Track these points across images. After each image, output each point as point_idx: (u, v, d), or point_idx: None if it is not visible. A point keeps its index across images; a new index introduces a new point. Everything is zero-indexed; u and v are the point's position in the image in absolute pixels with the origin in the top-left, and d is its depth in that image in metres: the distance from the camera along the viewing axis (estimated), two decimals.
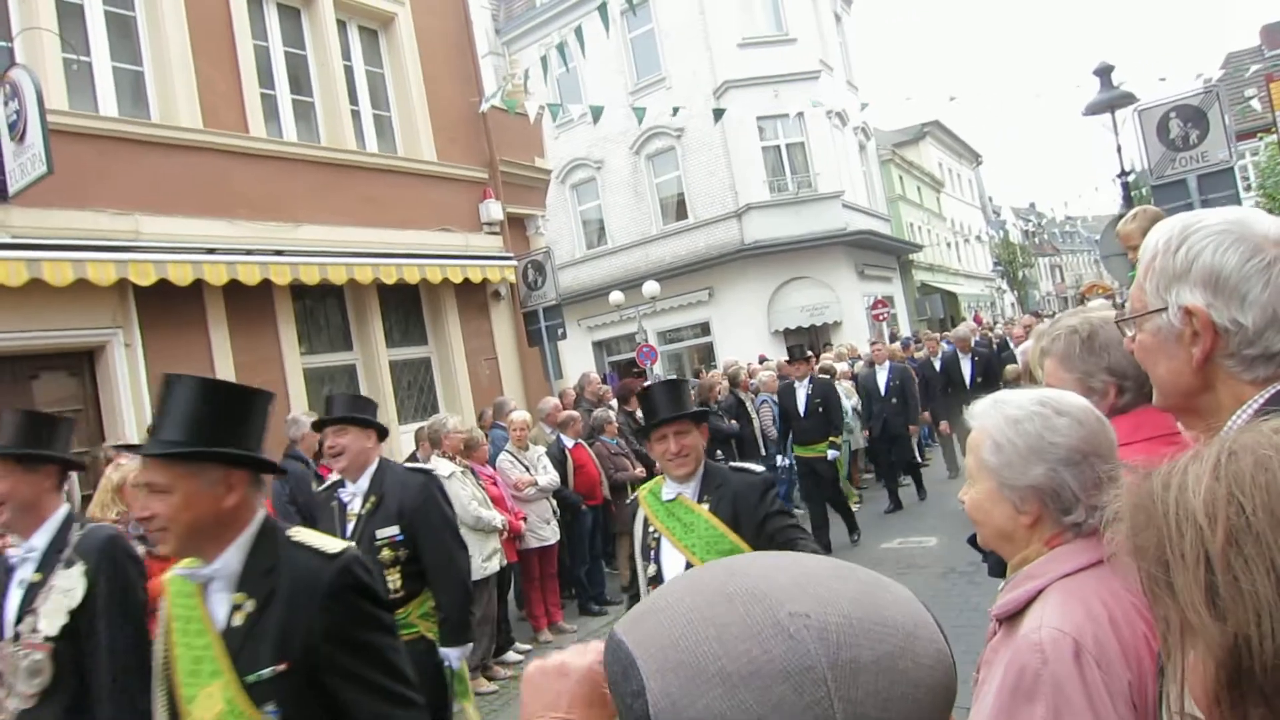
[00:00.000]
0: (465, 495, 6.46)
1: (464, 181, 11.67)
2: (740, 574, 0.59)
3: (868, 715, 0.52)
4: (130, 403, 7.95)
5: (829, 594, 0.57)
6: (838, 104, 22.86)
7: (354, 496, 3.88)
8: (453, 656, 3.86)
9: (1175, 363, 1.22)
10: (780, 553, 0.64)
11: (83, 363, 8.02)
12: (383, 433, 4.07)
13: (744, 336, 20.75)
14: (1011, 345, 12.01)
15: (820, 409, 9.41)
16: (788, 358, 10.42)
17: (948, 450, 11.77)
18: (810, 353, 10.81)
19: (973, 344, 11.45)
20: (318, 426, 4.11)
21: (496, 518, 6.60)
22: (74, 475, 6.83)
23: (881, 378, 11.19)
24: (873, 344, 12.24)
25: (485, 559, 6.48)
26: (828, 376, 10.61)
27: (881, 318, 22.10)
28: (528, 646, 7.29)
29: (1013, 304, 46.15)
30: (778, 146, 22.53)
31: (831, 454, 9.21)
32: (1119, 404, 1.93)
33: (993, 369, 10.20)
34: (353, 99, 10.78)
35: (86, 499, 5.90)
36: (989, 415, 1.57)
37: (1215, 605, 0.63)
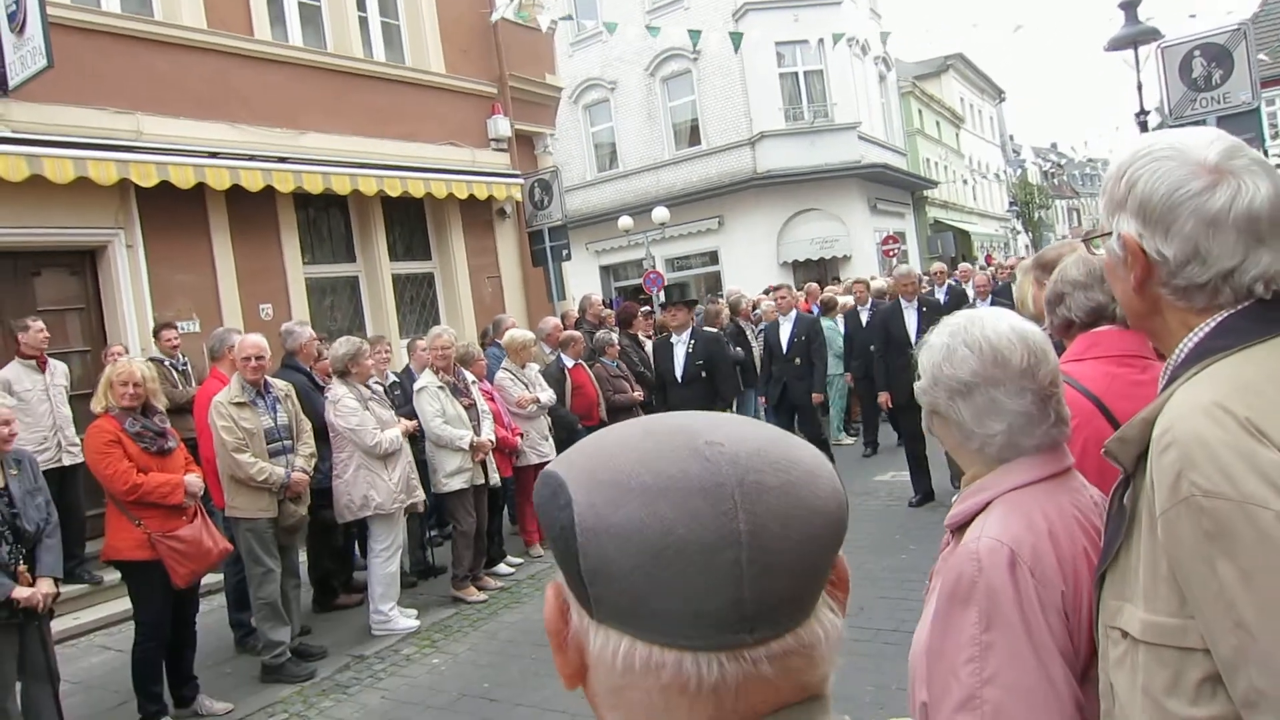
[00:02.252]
0: (430, 410, 6.49)
1: (473, 96, 11.48)
2: (664, 419, 0.66)
3: (768, 529, 0.58)
4: (131, 303, 7.98)
5: (743, 432, 0.63)
6: (860, 33, 22.33)
7: None
8: None
9: (1123, 285, 1.24)
10: (711, 412, 0.71)
11: (84, 262, 8.02)
12: None
13: (752, 267, 20.60)
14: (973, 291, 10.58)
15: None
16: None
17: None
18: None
19: (919, 290, 8.71)
20: None
21: (463, 437, 6.54)
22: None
23: (785, 331, 9.12)
24: (774, 290, 9.63)
25: (447, 475, 6.50)
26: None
27: (892, 254, 21.91)
28: (519, 560, 7.41)
29: (1027, 246, 45.66)
30: (795, 74, 22.07)
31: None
32: (1075, 322, 2.01)
33: (943, 315, 8.81)
34: (360, 5, 10.55)
35: (87, 396, 5.95)
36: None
37: None
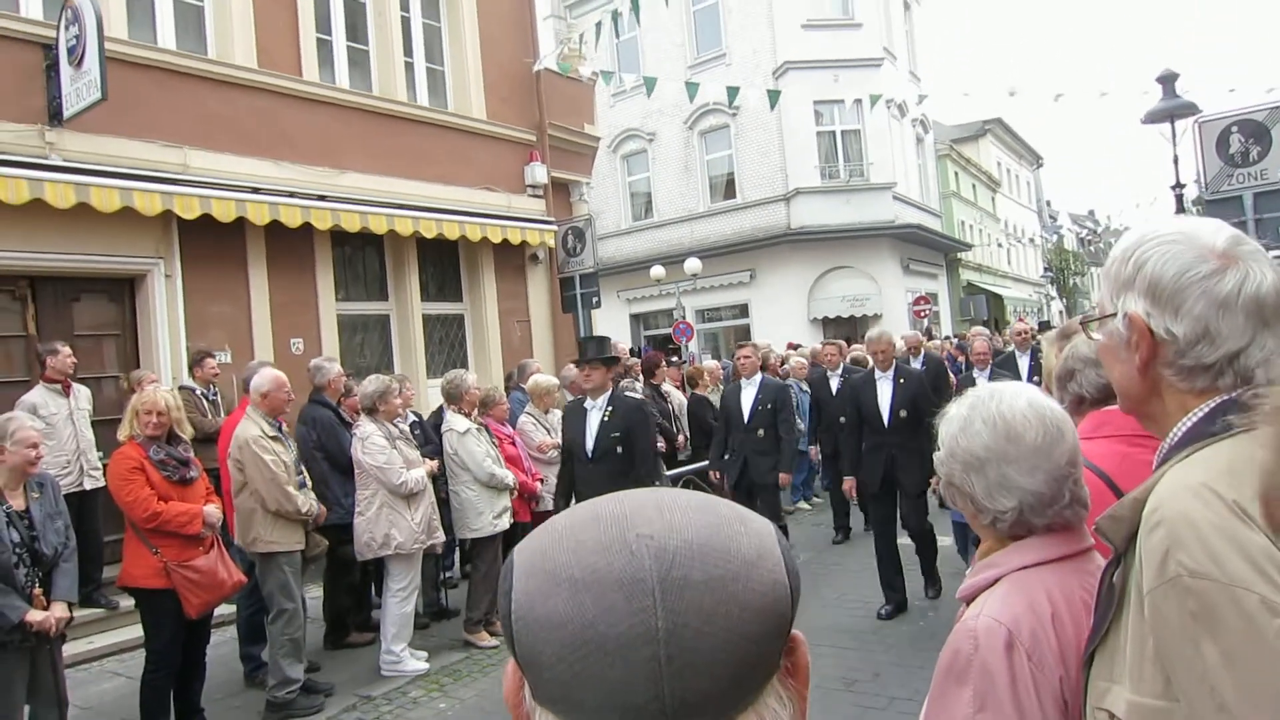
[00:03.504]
0: (479, 452, 6.51)
1: (511, 142, 11.68)
2: (619, 501, 0.66)
3: (690, 625, 0.58)
4: (166, 332, 8.11)
5: (683, 522, 0.63)
6: (898, 94, 22.50)
7: None
8: None
9: (1125, 367, 1.25)
10: (669, 490, 0.71)
11: (123, 290, 8.18)
12: None
13: (783, 321, 20.60)
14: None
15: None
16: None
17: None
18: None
19: (895, 359, 6.97)
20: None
21: (509, 476, 6.64)
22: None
23: (747, 397, 7.54)
24: (739, 350, 8.01)
25: (495, 516, 6.53)
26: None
27: (923, 314, 21.85)
28: None
29: (1060, 311, 45.32)
30: (833, 132, 22.24)
31: None
32: (1086, 398, 2.02)
33: (923, 400, 6.49)
34: (408, 51, 10.81)
35: (114, 422, 6.02)
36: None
37: None
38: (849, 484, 7.02)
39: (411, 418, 7.54)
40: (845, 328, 20.92)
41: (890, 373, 6.69)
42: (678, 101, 21.98)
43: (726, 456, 7.66)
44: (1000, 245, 37.17)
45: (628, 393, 6.70)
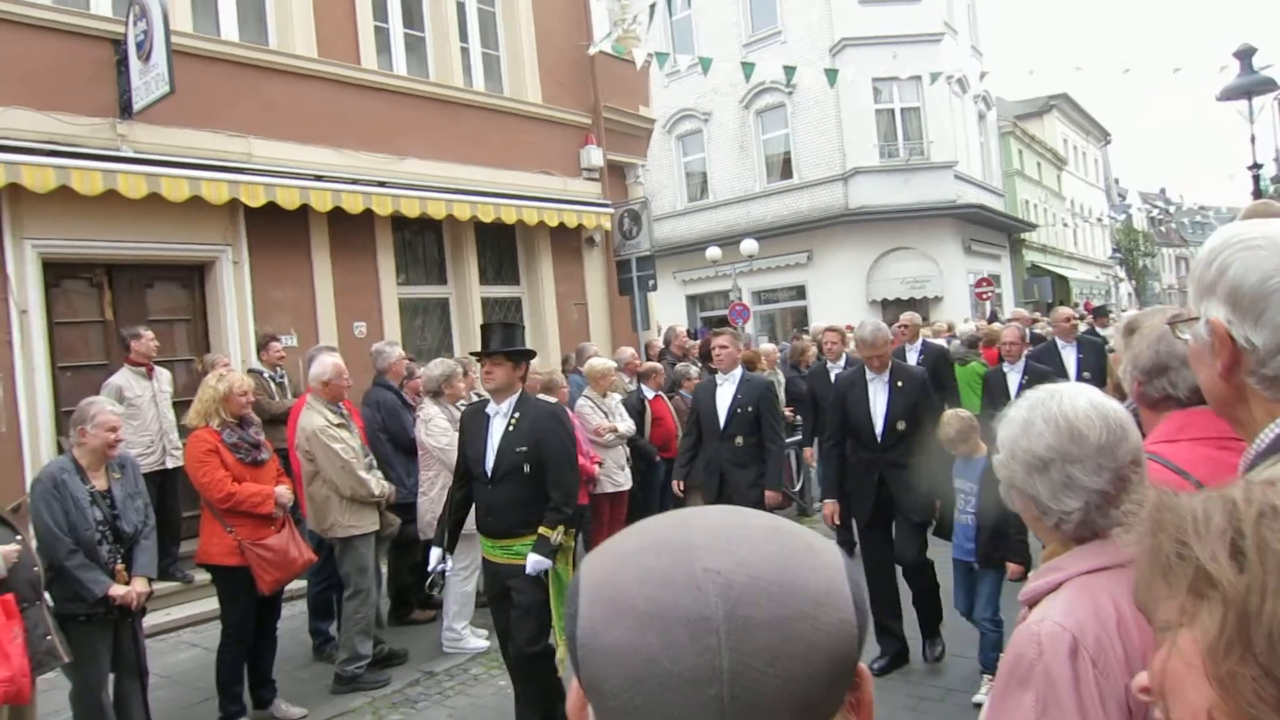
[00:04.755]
0: None
1: (567, 125, 11.72)
2: (687, 526, 0.66)
3: (753, 666, 0.58)
4: (235, 316, 8.35)
5: (750, 555, 0.62)
6: (959, 70, 22.04)
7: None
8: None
9: (1209, 372, 1.23)
10: (738, 510, 0.69)
11: (194, 276, 8.44)
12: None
13: (840, 303, 20.37)
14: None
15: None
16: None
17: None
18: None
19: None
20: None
21: None
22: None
23: (724, 396, 6.17)
24: (713, 335, 7.15)
25: None
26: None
27: (985, 296, 21.43)
28: None
29: (1129, 294, 44.09)
30: (892, 110, 21.89)
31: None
32: (1158, 399, 1.89)
33: (925, 407, 5.37)
34: (463, 36, 10.90)
35: (184, 404, 6.25)
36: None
37: (1237, 559, 0.65)
38: (829, 509, 5.59)
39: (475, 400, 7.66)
40: (904, 309, 20.64)
41: (885, 375, 5.32)
42: (733, 80, 21.81)
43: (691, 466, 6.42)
44: (1066, 225, 36.27)
45: (540, 396, 5.50)
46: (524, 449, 4.43)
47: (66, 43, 7.40)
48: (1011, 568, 4.48)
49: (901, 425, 5.23)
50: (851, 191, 21.63)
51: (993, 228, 25.17)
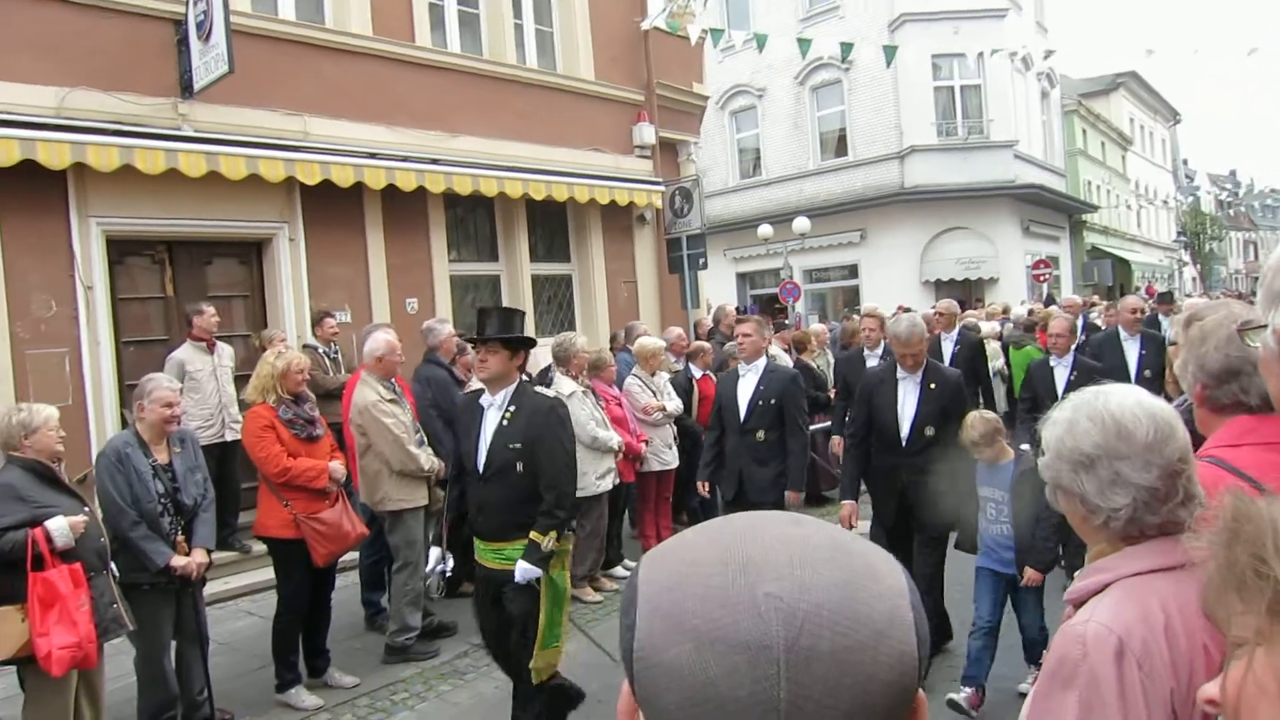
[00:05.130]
0: (583, 415, 6.62)
1: (619, 102, 11.68)
2: (750, 540, 0.64)
3: (812, 698, 0.57)
4: (291, 293, 8.50)
5: (813, 580, 0.60)
6: (1023, 46, 21.48)
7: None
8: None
9: (1276, 381, 1.19)
10: (800, 521, 0.68)
11: (251, 253, 8.60)
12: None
13: (893, 283, 20.12)
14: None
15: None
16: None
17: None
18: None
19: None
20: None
21: (613, 438, 6.75)
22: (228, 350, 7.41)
23: (746, 388, 5.78)
24: (737, 322, 7.11)
25: (599, 476, 6.66)
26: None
27: (1043, 279, 20.97)
28: (635, 564, 7.50)
29: (1194, 278, 42.79)
30: (951, 88, 21.45)
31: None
32: (1226, 404, 1.81)
33: (956, 413, 4.82)
34: (517, 13, 10.90)
35: (243, 378, 6.39)
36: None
37: None
38: (846, 511, 5.18)
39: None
40: (959, 291, 20.32)
41: (918, 375, 4.95)
42: (788, 56, 21.49)
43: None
44: (1130, 207, 35.29)
45: (538, 388, 4.76)
46: (517, 445, 4.12)
47: (130, 24, 7.55)
48: (1030, 574, 4.34)
49: (930, 430, 4.91)
50: (907, 170, 21.28)
51: (1052, 208, 24.60)
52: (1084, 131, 30.00)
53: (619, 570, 7.33)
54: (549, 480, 4.09)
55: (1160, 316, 11.04)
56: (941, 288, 20.56)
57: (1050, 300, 18.26)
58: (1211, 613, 0.88)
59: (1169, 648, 1.34)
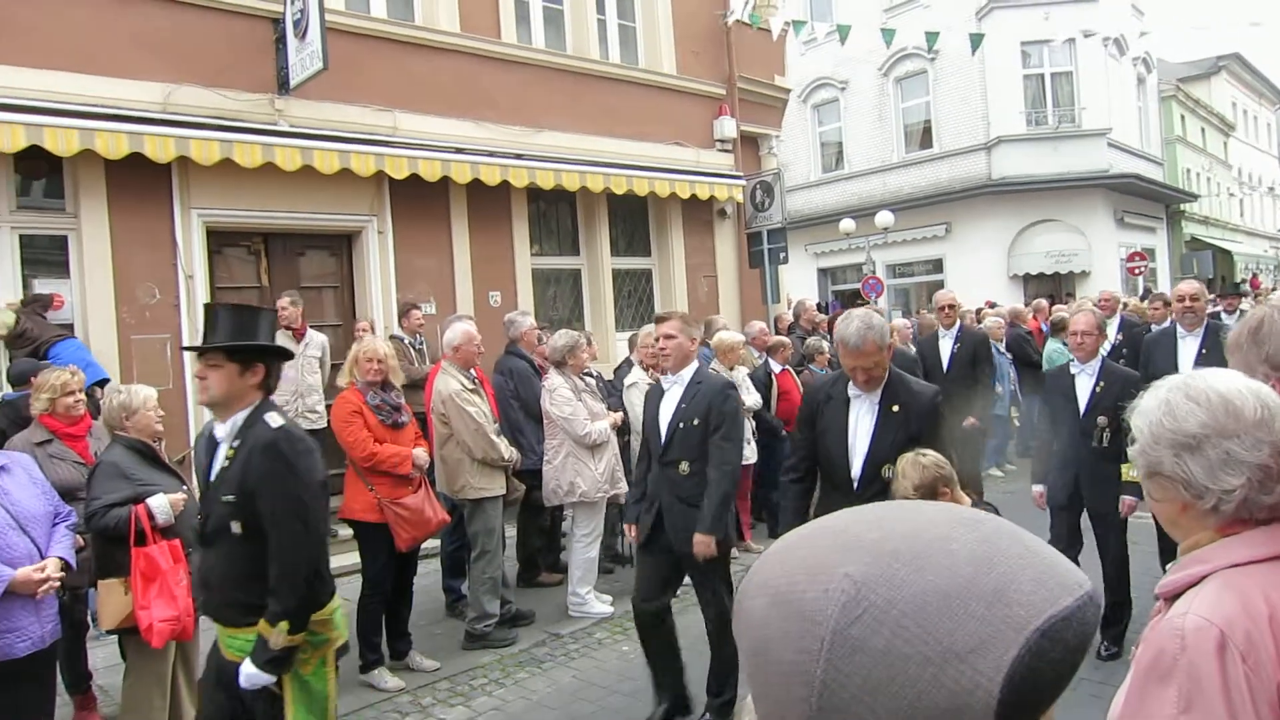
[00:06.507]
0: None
1: (701, 96, 11.65)
2: (876, 525, 0.62)
3: (849, 688, 0.56)
4: (379, 284, 8.73)
5: (910, 578, 0.57)
6: (1117, 30, 20.70)
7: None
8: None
9: None
10: (972, 523, 0.62)
11: (341, 245, 8.85)
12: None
13: (980, 278, 19.63)
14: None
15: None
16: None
17: None
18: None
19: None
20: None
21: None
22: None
23: (666, 408, 4.61)
24: (656, 321, 5.54)
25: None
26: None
27: (1138, 271, 20.21)
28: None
29: None
30: (1041, 75, 20.80)
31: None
32: None
33: (927, 444, 3.54)
34: (600, 8, 10.95)
35: (336, 367, 6.59)
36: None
37: None
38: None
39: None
40: (1049, 285, 19.74)
41: (875, 395, 3.76)
42: (872, 47, 21.08)
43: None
44: (1232, 195, 33.77)
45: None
46: (230, 498, 3.00)
47: (231, 22, 7.84)
48: None
49: (889, 471, 3.55)
50: (995, 161, 20.73)
51: (1148, 198, 23.68)
52: (1182, 117, 28.80)
53: None
54: (273, 549, 2.95)
55: (1223, 313, 10.38)
56: (1030, 282, 20.02)
57: (1147, 294, 17.58)
58: None
59: (1274, 640, 1.29)
